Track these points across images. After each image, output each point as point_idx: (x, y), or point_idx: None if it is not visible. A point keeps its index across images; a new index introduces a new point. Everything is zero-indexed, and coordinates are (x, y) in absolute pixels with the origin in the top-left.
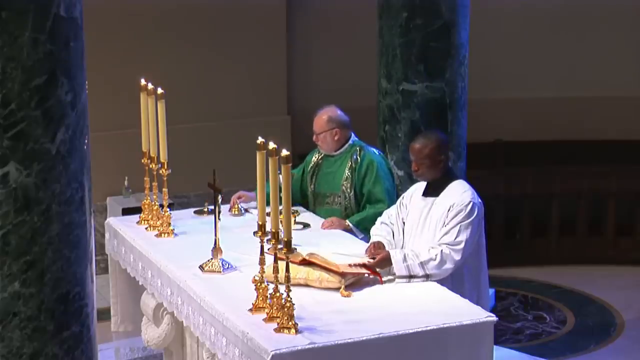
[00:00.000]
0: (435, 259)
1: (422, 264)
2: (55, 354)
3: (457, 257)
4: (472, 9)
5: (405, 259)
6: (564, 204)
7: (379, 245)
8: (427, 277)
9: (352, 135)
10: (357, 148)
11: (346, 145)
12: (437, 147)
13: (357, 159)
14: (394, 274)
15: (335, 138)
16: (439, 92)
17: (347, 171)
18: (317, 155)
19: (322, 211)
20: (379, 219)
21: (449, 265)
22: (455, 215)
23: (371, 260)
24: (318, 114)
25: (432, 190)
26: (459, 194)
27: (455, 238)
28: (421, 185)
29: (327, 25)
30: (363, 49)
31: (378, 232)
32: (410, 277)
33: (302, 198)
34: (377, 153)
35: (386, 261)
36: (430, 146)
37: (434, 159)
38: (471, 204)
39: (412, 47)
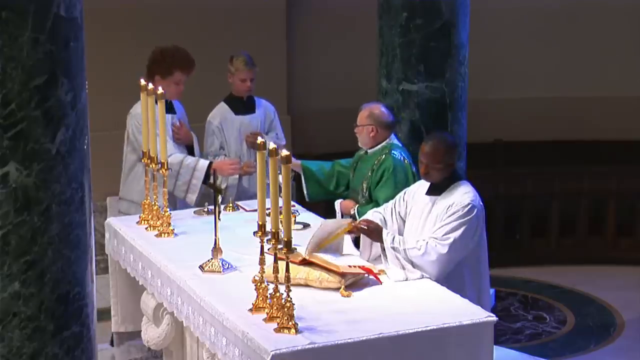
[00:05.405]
0: (419, 249)
1: (406, 251)
2: (55, 354)
3: (443, 250)
4: (472, 8)
5: (392, 241)
6: (564, 204)
7: (370, 220)
8: (412, 265)
9: (392, 137)
10: (387, 150)
11: (380, 146)
12: (449, 152)
13: (379, 160)
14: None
15: (371, 135)
16: (439, 92)
17: (368, 171)
18: (362, 151)
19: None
20: (373, 209)
21: (432, 258)
22: (452, 214)
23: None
24: (363, 107)
25: (436, 190)
26: (460, 194)
27: (444, 234)
28: (425, 183)
29: (327, 25)
30: (363, 49)
31: (369, 217)
32: (402, 266)
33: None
34: (401, 159)
35: (377, 234)
36: (443, 151)
37: (445, 163)
38: (470, 205)
39: (412, 47)
